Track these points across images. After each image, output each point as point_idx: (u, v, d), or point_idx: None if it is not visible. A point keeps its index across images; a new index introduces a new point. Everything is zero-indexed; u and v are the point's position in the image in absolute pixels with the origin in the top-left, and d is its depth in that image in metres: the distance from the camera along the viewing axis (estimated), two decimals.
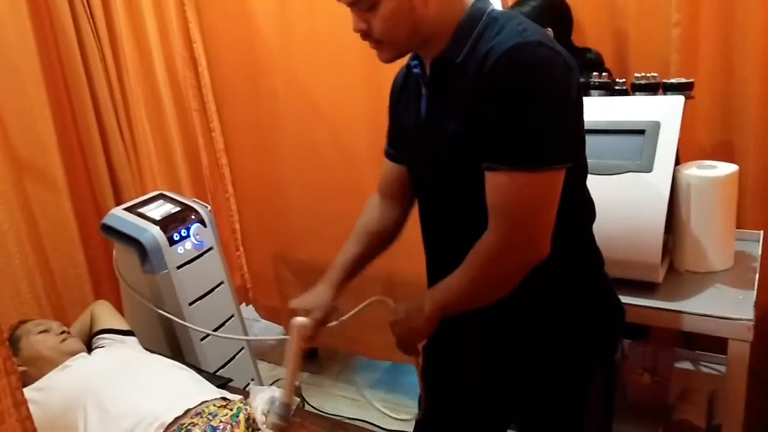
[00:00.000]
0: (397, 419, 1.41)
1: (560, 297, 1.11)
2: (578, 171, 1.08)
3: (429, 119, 1.10)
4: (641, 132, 1.48)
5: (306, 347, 1.23)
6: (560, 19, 1.77)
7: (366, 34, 1.05)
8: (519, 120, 0.94)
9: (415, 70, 1.13)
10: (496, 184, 0.98)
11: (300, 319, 1.21)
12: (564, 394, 1.17)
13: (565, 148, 0.99)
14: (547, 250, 1.00)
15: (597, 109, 1.55)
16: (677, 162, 1.49)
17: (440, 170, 1.10)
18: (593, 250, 1.19)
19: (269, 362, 2.79)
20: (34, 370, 1.57)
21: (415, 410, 1.39)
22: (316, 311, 1.22)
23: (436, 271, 1.21)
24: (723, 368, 1.73)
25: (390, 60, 1.09)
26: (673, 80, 1.55)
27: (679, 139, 1.45)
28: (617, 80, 1.63)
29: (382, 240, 1.31)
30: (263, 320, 3.00)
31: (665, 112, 1.48)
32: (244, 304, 2.97)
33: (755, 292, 1.40)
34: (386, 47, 1.06)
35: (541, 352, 1.14)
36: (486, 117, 0.96)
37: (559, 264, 1.02)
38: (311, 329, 1.22)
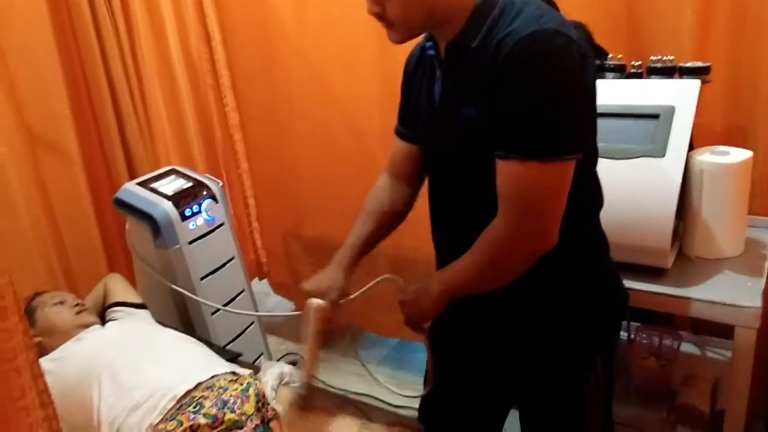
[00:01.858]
0: (403, 395, 1.43)
1: (564, 282, 1.12)
2: (588, 158, 1.08)
3: (443, 103, 1.10)
4: (655, 116, 1.46)
5: (325, 328, 1.24)
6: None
7: (379, 16, 1.05)
8: (533, 109, 0.94)
9: (430, 52, 1.13)
10: (507, 172, 0.98)
11: (317, 301, 1.22)
12: (565, 377, 1.19)
13: (577, 138, 0.99)
14: (555, 239, 1.01)
15: (611, 92, 1.54)
16: (691, 147, 1.48)
17: (452, 154, 1.10)
18: (599, 236, 1.19)
19: (279, 336, 2.83)
20: (48, 341, 1.60)
21: (421, 387, 1.41)
22: (331, 292, 1.23)
23: (444, 252, 1.22)
24: (729, 353, 1.74)
25: (401, 41, 1.09)
26: (689, 64, 1.53)
27: (694, 124, 1.44)
28: (633, 63, 1.61)
29: (391, 219, 1.33)
30: (275, 295, 3.04)
31: (680, 96, 1.46)
32: (257, 278, 3.01)
33: (764, 280, 1.40)
34: (399, 29, 1.06)
35: (544, 336, 1.16)
36: (500, 104, 0.96)
37: (565, 250, 1.03)
38: (329, 310, 1.23)
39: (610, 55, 1.64)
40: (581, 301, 1.15)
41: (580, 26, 1.74)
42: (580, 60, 0.96)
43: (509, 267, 1.05)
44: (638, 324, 1.79)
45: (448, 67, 1.08)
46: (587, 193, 1.11)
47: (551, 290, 1.12)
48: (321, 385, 1.41)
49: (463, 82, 1.05)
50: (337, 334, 1.32)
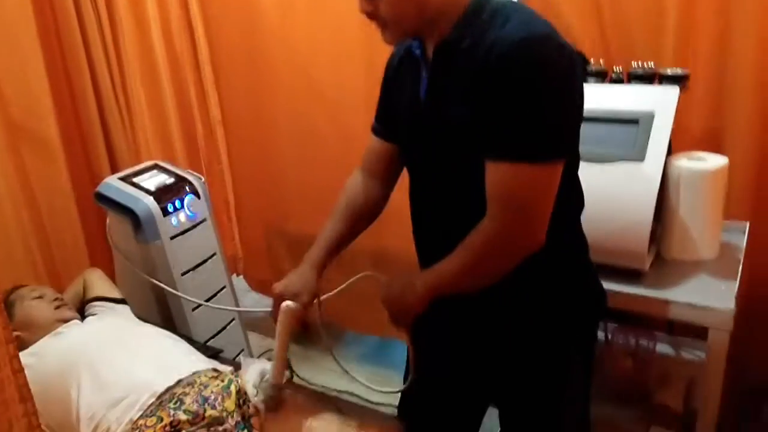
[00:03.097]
0: (381, 391, 1.44)
1: (545, 281, 1.14)
2: (572, 161, 1.10)
3: (429, 103, 1.11)
4: (635, 122, 1.49)
5: (296, 330, 1.25)
6: None
7: (372, 16, 1.06)
8: (523, 112, 0.96)
9: (416, 52, 1.13)
10: (496, 173, 1.00)
11: (289, 304, 1.23)
12: (544, 376, 1.20)
13: (566, 140, 1.01)
14: (542, 240, 1.02)
15: (592, 97, 1.53)
16: (669, 152, 1.51)
17: (438, 155, 1.11)
18: (579, 237, 1.22)
19: (259, 333, 2.82)
20: (27, 335, 1.59)
21: (401, 383, 1.43)
22: (303, 295, 1.23)
23: (427, 251, 1.23)
24: (702, 354, 1.78)
25: (394, 41, 1.10)
26: (668, 71, 1.56)
27: (672, 130, 1.47)
28: (614, 68, 1.64)
29: (365, 218, 1.33)
30: (254, 292, 3.03)
31: (660, 102, 1.49)
32: (234, 274, 3.00)
33: (738, 283, 1.43)
34: (391, 29, 1.07)
35: (523, 334, 1.17)
36: (490, 107, 0.97)
37: (546, 250, 1.04)
38: (300, 312, 1.24)
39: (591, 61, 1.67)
40: (561, 300, 1.17)
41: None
42: (570, 64, 0.98)
43: (497, 267, 1.06)
44: (615, 325, 1.82)
45: (436, 68, 1.09)
46: (569, 195, 1.13)
47: (532, 289, 1.14)
48: (290, 385, 1.42)
49: (451, 83, 1.06)
50: (315, 332, 1.32)
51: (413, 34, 1.11)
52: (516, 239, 1.03)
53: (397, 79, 1.23)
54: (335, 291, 1.28)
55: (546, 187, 1.00)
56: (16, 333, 1.57)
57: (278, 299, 1.24)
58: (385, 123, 1.29)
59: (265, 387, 1.30)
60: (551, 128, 0.98)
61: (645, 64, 1.59)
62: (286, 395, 1.34)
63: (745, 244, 1.61)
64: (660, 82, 1.57)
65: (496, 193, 1.01)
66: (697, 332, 1.80)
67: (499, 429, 1.33)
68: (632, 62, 1.61)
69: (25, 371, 0.81)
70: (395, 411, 1.50)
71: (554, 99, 0.97)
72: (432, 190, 1.18)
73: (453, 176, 1.10)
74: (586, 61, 1.66)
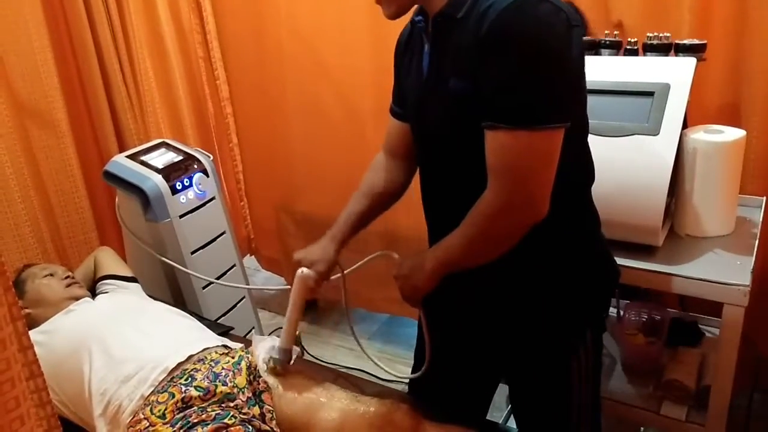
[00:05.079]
0: (397, 376, 1.44)
1: (556, 255, 1.13)
2: (578, 130, 1.07)
3: (431, 76, 1.10)
4: (650, 94, 1.46)
5: (308, 297, 1.29)
6: None
7: None
8: (518, 78, 0.93)
9: (420, 25, 1.12)
10: (495, 143, 0.98)
11: (305, 270, 1.27)
12: (554, 350, 1.20)
13: (564, 106, 0.98)
14: (546, 209, 1.00)
15: (606, 69, 1.53)
16: (685, 125, 1.47)
17: (440, 127, 1.10)
18: (590, 210, 1.20)
19: (270, 311, 2.84)
20: (38, 312, 1.60)
21: (411, 361, 1.42)
22: (320, 264, 1.28)
23: (437, 229, 1.22)
24: (715, 330, 1.76)
25: (394, 15, 1.08)
26: (685, 41, 1.51)
27: (688, 102, 1.43)
28: (629, 40, 1.60)
29: (386, 198, 1.33)
30: (265, 270, 3.04)
31: (676, 74, 1.45)
32: (248, 254, 3.00)
33: (754, 258, 1.41)
34: (390, 1, 1.05)
35: (535, 308, 1.16)
36: (486, 75, 0.95)
37: (556, 224, 1.03)
38: (314, 281, 1.28)
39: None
40: (572, 274, 1.15)
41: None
42: (566, 28, 0.95)
43: (501, 239, 1.05)
44: (627, 301, 1.80)
45: (435, 40, 1.07)
46: (577, 165, 1.11)
47: (543, 263, 1.12)
48: (302, 353, 1.44)
49: (450, 54, 1.04)
50: (327, 308, 1.34)
51: (411, 6, 1.09)
52: (517, 209, 1.01)
53: (405, 57, 1.21)
54: (353, 268, 1.30)
55: (545, 154, 0.98)
56: (27, 310, 1.59)
57: (296, 267, 1.28)
58: (400, 104, 1.28)
59: (274, 353, 1.33)
60: (547, 93, 0.95)
61: (661, 34, 1.54)
62: (294, 362, 1.37)
63: (761, 219, 1.58)
64: (676, 54, 1.53)
65: (494, 162, 0.99)
66: (710, 308, 1.78)
67: (509, 406, 1.32)
68: (647, 33, 1.56)
69: (37, 348, 0.81)
70: (405, 387, 1.50)
71: (549, 63, 0.94)
72: (438, 164, 1.16)
73: (457, 149, 1.09)
74: (584, 26, 1.62)
